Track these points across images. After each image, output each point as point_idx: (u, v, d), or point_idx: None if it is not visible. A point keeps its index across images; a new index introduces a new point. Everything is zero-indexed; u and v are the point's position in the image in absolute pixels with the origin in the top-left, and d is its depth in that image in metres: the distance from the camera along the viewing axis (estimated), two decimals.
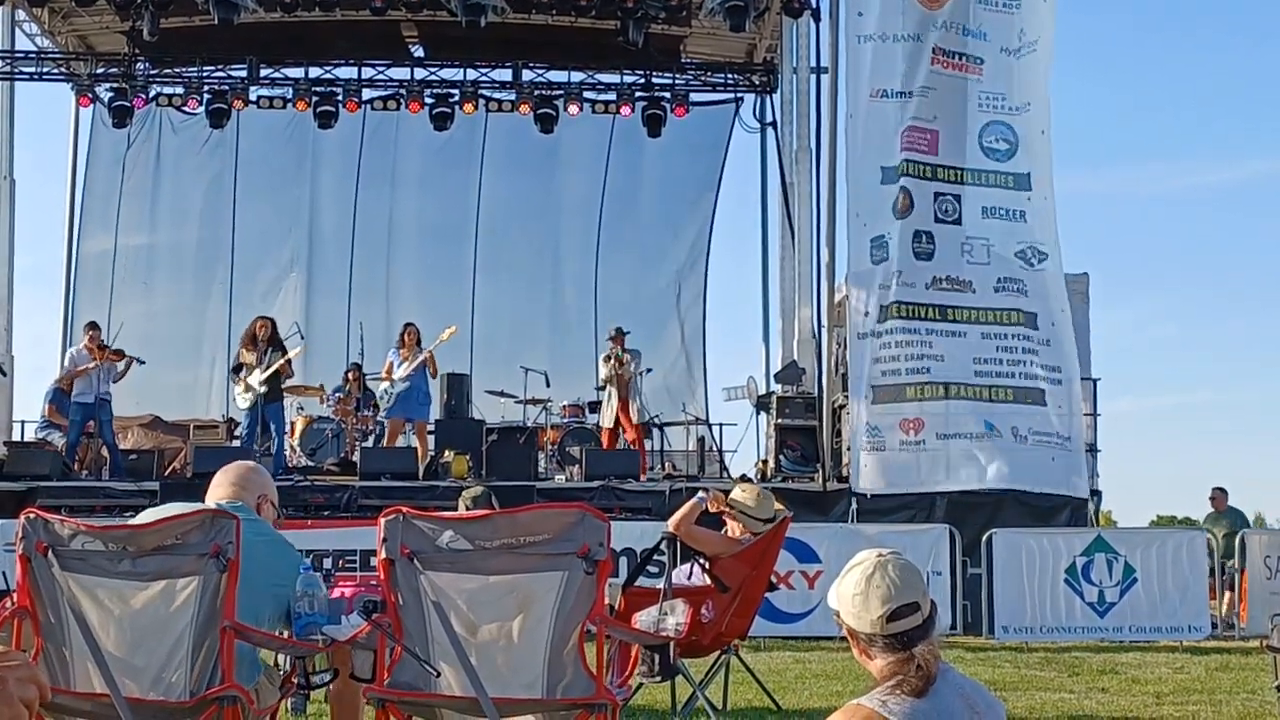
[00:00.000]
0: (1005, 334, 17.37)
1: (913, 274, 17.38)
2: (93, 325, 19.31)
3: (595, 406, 21.08)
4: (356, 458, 18.99)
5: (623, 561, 14.28)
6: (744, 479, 18.00)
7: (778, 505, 10.10)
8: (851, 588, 3.77)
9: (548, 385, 20.79)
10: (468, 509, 9.35)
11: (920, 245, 17.42)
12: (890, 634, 3.69)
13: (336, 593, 9.84)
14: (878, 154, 17.54)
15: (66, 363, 19.13)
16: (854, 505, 17.01)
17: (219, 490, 5.65)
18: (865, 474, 17.14)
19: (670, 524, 9.91)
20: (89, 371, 18.45)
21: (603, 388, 20.03)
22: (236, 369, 18.82)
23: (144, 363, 19.32)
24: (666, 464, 21.39)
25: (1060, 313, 17.50)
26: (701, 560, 9.84)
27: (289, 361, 18.68)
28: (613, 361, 19.54)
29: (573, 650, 5.35)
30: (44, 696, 2.46)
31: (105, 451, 18.98)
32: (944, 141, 17.50)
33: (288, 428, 20.25)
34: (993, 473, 17.07)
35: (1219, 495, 20.11)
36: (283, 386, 19.10)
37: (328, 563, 14.69)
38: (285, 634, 5.49)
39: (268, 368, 18.28)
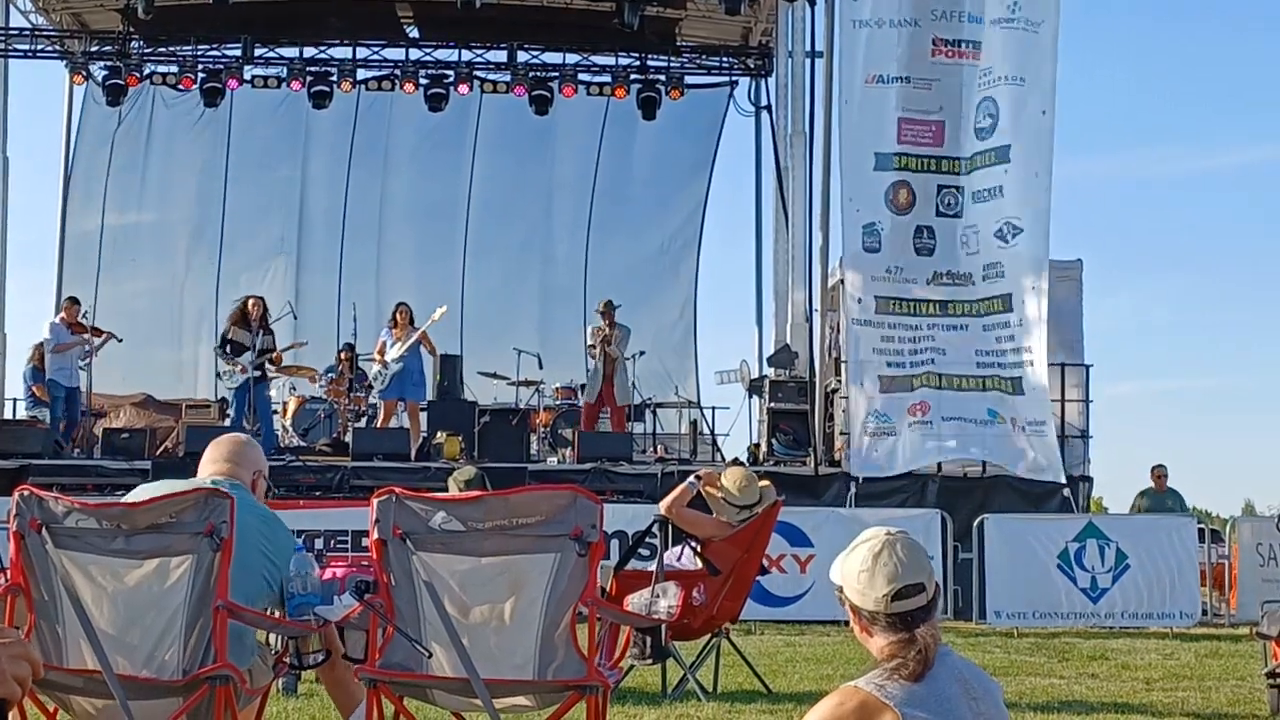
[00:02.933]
0: (995, 323, 17.28)
1: (914, 270, 17.34)
2: (72, 300, 19.30)
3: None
4: (349, 438, 18.97)
5: (614, 544, 14.29)
6: (736, 461, 18.01)
7: (764, 483, 10.12)
8: (858, 564, 3.74)
9: (540, 367, 20.78)
10: (459, 490, 9.35)
11: (921, 240, 17.36)
12: (894, 613, 3.67)
13: (328, 573, 9.85)
14: (872, 139, 17.47)
15: (47, 333, 19.08)
16: (853, 489, 17.03)
17: (213, 465, 5.58)
18: (866, 458, 17.13)
19: (662, 507, 9.94)
20: (72, 348, 18.46)
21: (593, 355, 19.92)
22: (223, 345, 18.72)
23: (120, 340, 19.32)
24: (659, 447, 21.39)
25: (1032, 290, 17.04)
26: (693, 543, 9.86)
27: (280, 354, 18.75)
28: (600, 337, 19.39)
29: (564, 632, 5.35)
30: (37, 673, 2.46)
31: (98, 430, 18.99)
32: (949, 133, 17.41)
33: (280, 408, 20.24)
34: (990, 456, 17.07)
35: (1161, 474, 19.33)
36: (273, 371, 19.09)
37: (319, 543, 14.70)
38: (278, 614, 5.48)
39: (261, 353, 18.24)
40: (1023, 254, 17.14)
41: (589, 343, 19.66)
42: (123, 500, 5.17)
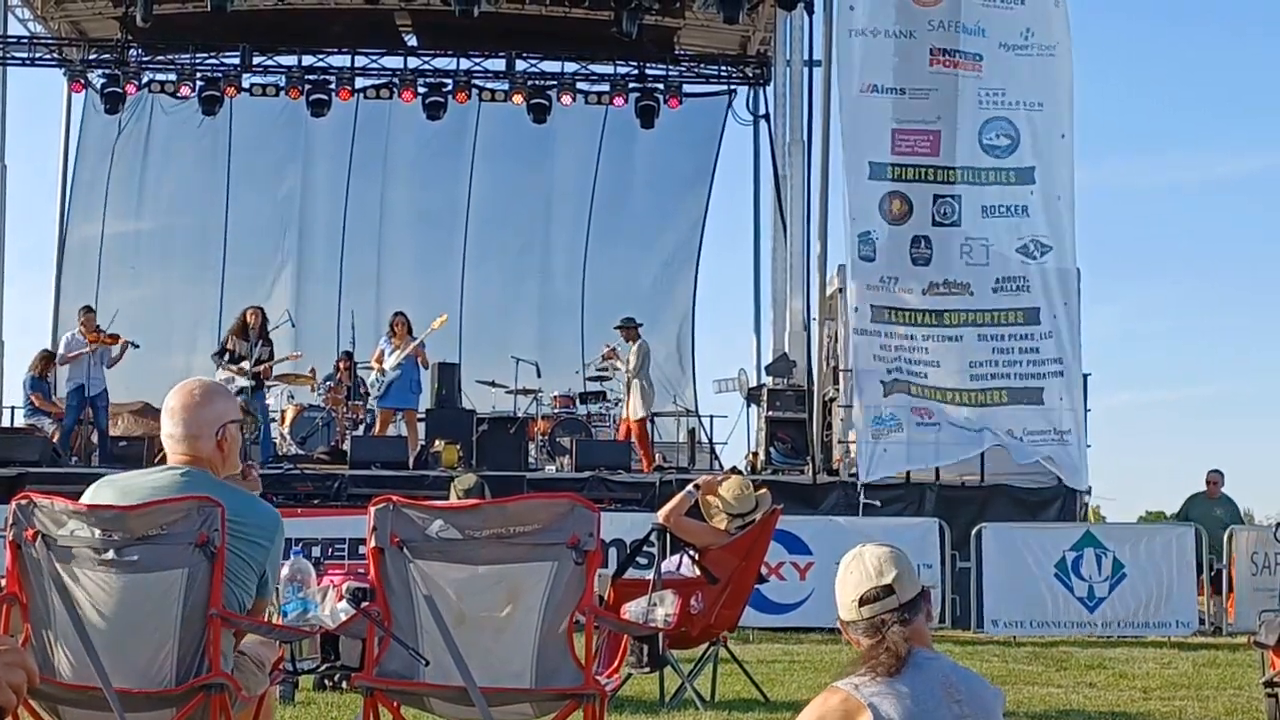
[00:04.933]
0: (1002, 335, 17.46)
1: (910, 280, 17.45)
2: (87, 309, 19.30)
3: (585, 397, 21.11)
4: (347, 446, 18.95)
5: (612, 552, 14.29)
6: (734, 470, 17.99)
7: (761, 491, 10.12)
8: (836, 577, 3.97)
9: (539, 375, 20.79)
10: (460, 498, 9.35)
11: (918, 250, 17.49)
12: (865, 618, 3.82)
13: (325, 581, 9.88)
14: (868, 149, 17.59)
15: (62, 348, 19.16)
16: (862, 497, 17.02)
17: (173, 444, 5.28)
18: (874, 461, 17.15)
19: (660, 515, 9.94)
20: (81, 357, 18.46)
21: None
22: (220, 353, 18.79)
23: (138, 346, 19.32)
24: (656, 455, 21.38)
25: (1063, 305, 17.57)
26: (691, 551, 9.85)
27: (270, 367, 18.77)
28: (611, 357, 19.80)
29: (561, 640, 5.35)
30: (32, 681, 2.46)
31: (95, 438, 18.99)
32: (945, 142, 17.55)
33: (278, 416, 20.22)
34: (990, 468, 17.18)
35: (1214, 480, 18.65)
36: (268, 381, 19.11)
37: (317, 551, 14.70)
38: (273, 617, 5.45)
39: (257, 362, 18.25)
40: (1051, 271, 17.60)
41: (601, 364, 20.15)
42: (117, 504, 5.12)
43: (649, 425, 20.02)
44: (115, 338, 18.90)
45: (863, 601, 3.82)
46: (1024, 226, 17.64)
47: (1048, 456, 17.19)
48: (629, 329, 19.50)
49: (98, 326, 18.86)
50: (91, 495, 5.22)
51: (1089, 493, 18.50)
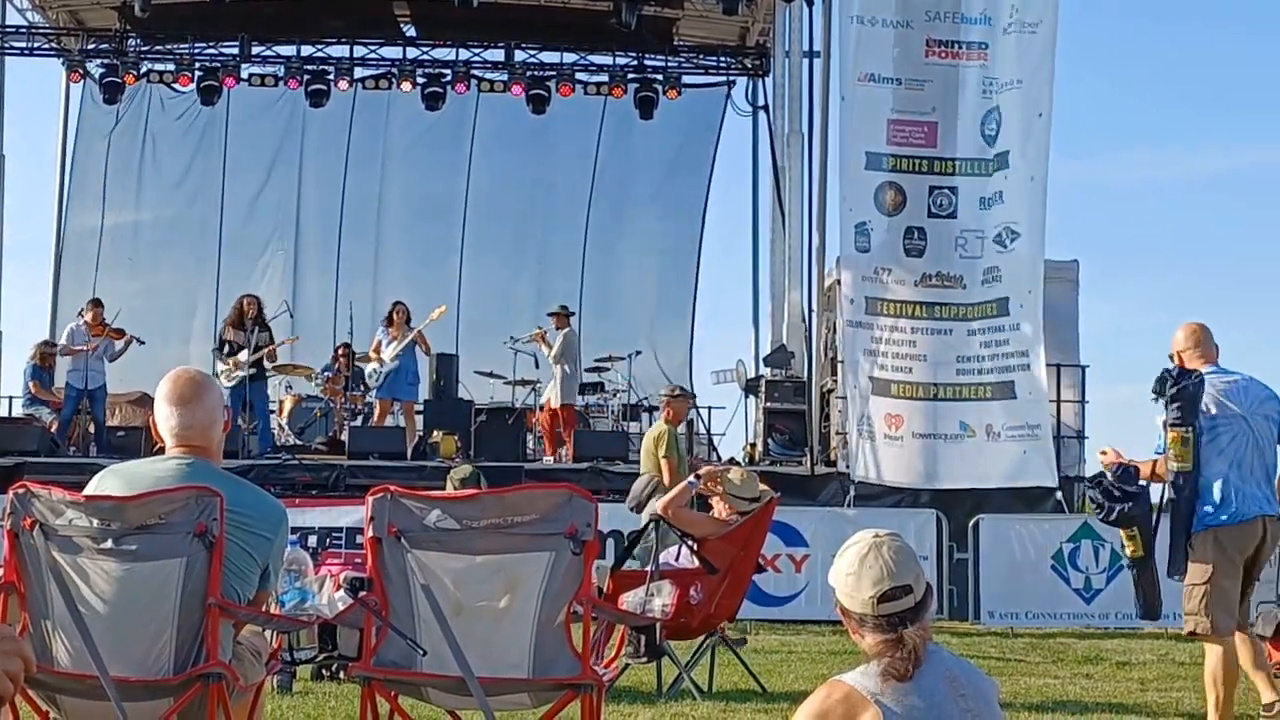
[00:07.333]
0: (987, 328, 17.14)
1: (903, 271, 17.25)
2: (96, 302, 19.28)
3: (583, 388, 21.09)
4: (345, 437, 18.96)
5: (610, 543, 14.30)
6: (732, 462, 18.03)
7: (763, 486, 10.16)
8: (846, 566, 3.82)
9: (537, 366, 20.78)
10: (456, 489, 9.36)
11: (911, 241, 17.28)
12: (881, 615, 3.73)
13: (323, 570, 9.88)
14: (864, 139, 17.43)
15: (64, 338, 19.13)
16: (852, 491, 16.96)
17: (173, 439, 5.31)
18: (862, 461, 17.03)
19: (659, 506, 9.95)
20: (84, 352, 18.43)
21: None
22: (220, 346, 18.77)
23: (144, 343, 19.34)
24: None
25: (1028, 294, 16.94)
26: (690, 542, 9.86)
27: (275, 349, 18.68)
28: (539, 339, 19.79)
29: (559, 630, 5.35)
30: (29, 669, 2.46)
31: (92, 429, 18.98)
32: (942, 133, 17.32)
33: (276, 406, 20.22)
34: (967, 474, 16.94)
35: None
36: (270, 366, 19.08)
37: (314, 541, 14.71)
38: (271, 607, 5.44)
39: (256, 349, 18.24)
40: (1021, 258, 17.03)
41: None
42: (114, 495, 5.12)
43: (575, 414, 19.90)
44: (121, 333, 18.88)
45: (882, 599, 3.74)
46: (1000, 214, 17.11)
47: (1024, 452, 16.93)
48: (560, 316, 19.53)
49: (103, 320, 18.83)
50: (96, 484, 5.23)
51: (1085, 484, 18.44)
